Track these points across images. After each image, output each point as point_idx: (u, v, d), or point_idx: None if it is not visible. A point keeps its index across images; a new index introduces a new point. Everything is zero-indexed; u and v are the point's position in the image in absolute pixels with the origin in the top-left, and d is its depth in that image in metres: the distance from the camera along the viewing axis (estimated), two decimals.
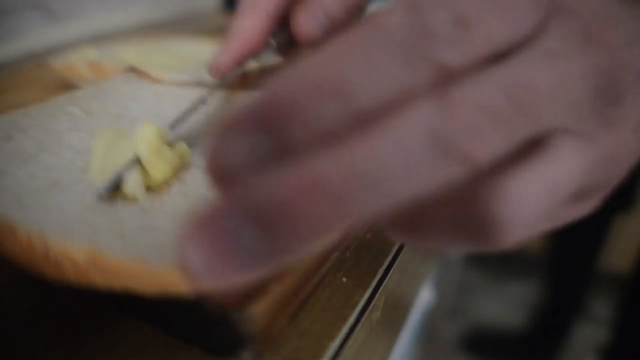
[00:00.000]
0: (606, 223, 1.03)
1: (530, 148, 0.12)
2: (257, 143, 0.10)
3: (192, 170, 0.21)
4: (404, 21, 0.11)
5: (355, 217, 0.10)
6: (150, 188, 0.19)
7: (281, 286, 0.16)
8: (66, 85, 0.36)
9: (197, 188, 0.20)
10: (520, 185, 0.12)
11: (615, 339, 0.98)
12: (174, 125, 0.24)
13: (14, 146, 0.21)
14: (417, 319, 0.60)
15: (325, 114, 0.10)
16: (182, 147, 0.22)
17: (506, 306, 1.36)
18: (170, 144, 0.21)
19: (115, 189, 0.18)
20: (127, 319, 0.18)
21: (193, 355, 0.16)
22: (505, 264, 1.48)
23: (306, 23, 0.28)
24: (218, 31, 0.49)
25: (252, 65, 0.31)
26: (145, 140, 0.20)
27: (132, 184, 0.19)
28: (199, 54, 0.40)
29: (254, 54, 0.29)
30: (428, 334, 0.70)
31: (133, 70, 0.31)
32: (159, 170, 0.19)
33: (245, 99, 0.10)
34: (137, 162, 0.19)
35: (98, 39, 0.43)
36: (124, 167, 0.19)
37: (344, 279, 0.20)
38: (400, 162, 0.10)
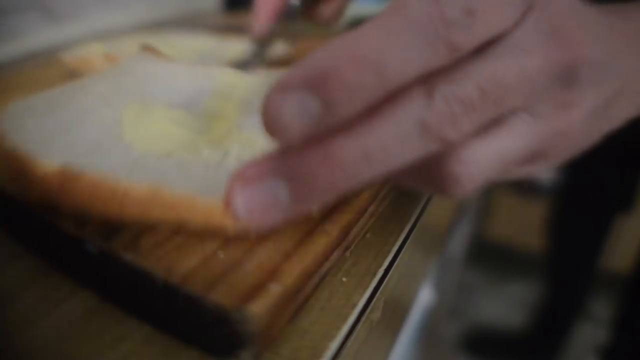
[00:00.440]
0: (606, 223, 1.03)
1: (492, 123, 0.15)
2: (306, 101, 0.12)
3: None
4: (427, 10, 0.13)
5: (360, 182, 0.14)
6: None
7: (281, 286, 0.16)
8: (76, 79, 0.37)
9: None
10: (475, 151, 0.15)
11: (615, 339, 0.98)
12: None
13: (53, 119, 0.23)
14: (417, 319, 0.60)
15: (364, 83, 0.12)
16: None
17: (506, 306, 1.36)
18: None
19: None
20: (127, 319, 0.18)
21: (193, 355, 0.16)
22: (505, 264, 1.48)
23: None
24: (218, 30, 0.49)
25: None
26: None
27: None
28: (201, 47, 0.42)
29: (282, 11, 0.35)
30: (428, 334, 0.70)
31: (148, 49, 0.33)
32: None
33: (298, 64, 0.13)
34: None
35: (98, 38, 0.43)
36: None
37: (344, 279, 0.20)
38: (397, 143, 0.13)
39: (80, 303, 0.18)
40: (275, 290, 0.15)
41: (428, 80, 0.14)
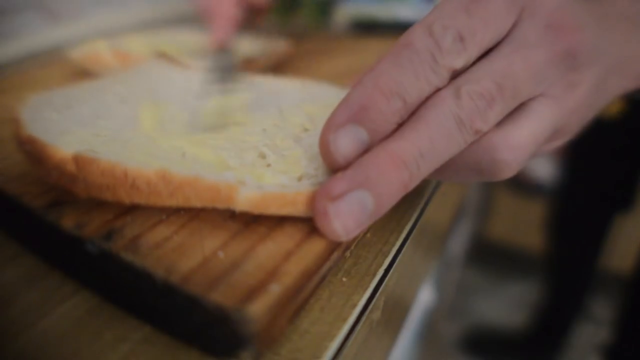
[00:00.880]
0: (606, 223, 1.03)
1: (518, 111, 0.18)
2: (357, 132, 0.17)
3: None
4: (426, 43, 0.17)
5: (420, 178, 0.17)
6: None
7: (281, 286, 0.16)
8: (84, 75, 0.37)
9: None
10: (515, 136, 0.18)
11: (615, 339, 0.98)
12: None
13: (74, 112, 0.24)
14: (417, 319, 0.60)
15: (394, 108, 0.17)
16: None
17: (506, 306, 1.36)
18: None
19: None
20: (127, 319, 0.18)
21: (193, 355, 0.16)
22: (505, 264, 1.48)
23: None
24: None
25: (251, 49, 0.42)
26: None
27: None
28: (202, 43, 0.43)
29: (237, 23, 0.40)
30: (428, 334, 0.70)
31: (163, 56, 0.35)
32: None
33: (340, 102, 0.17)
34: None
35: (101, 37, 0.43)
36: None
37: (344, 279, 0.20)
38: (443, 139, 0.17)
39: (80, 303, 0.18)
40: (275, 290, 0.15)
41: (454, 81, 0.17)
